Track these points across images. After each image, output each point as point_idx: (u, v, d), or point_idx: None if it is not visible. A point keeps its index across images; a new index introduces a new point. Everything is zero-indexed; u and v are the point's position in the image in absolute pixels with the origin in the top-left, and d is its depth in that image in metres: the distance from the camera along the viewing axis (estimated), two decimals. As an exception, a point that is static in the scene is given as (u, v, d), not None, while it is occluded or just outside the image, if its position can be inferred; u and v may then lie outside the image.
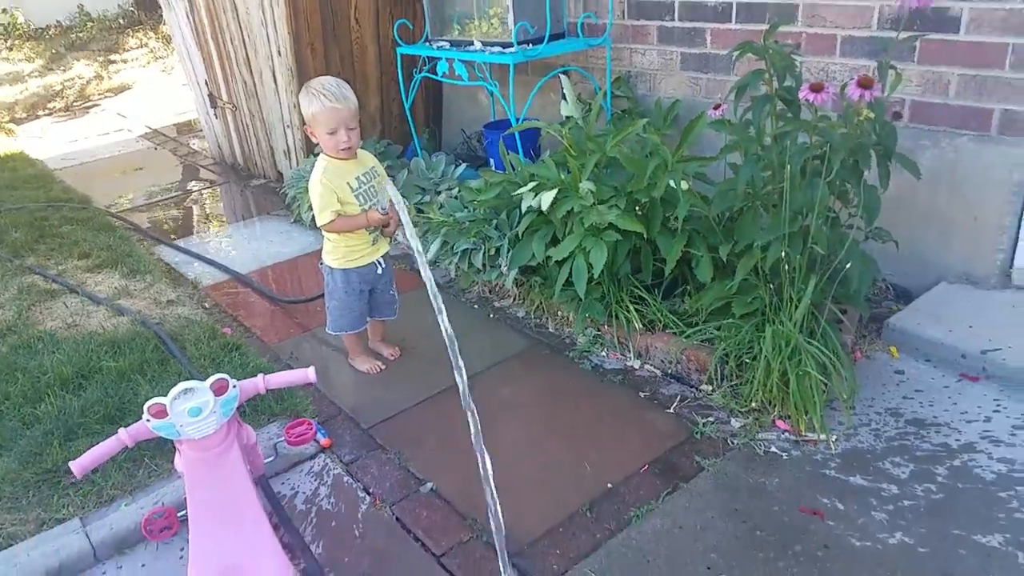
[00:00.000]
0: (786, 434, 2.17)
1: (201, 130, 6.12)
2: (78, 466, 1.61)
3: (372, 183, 2.42)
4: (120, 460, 2.19)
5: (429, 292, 1.72)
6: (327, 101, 2.23)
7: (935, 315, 2.52)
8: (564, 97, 2.83)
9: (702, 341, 2.43)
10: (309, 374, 1.78)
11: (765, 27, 2.75)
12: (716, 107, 2.29)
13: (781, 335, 2.17)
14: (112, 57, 9.30)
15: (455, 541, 1.90)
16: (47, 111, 7.86)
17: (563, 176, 2.63)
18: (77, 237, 3.92)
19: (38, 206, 4.41)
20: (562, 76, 2.84)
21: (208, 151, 5.56)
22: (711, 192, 2.54)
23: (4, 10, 10.40)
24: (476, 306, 3.07)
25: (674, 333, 2.51)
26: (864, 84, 1.93)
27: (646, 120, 2.60)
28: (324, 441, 2.29)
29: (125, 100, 7.97)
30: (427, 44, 3.70)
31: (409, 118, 3.98)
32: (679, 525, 1.89)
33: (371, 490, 2.11)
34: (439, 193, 3.62)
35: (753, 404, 2.26)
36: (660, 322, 2.57)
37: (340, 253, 2.49)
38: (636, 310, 2.60)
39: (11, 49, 9.81)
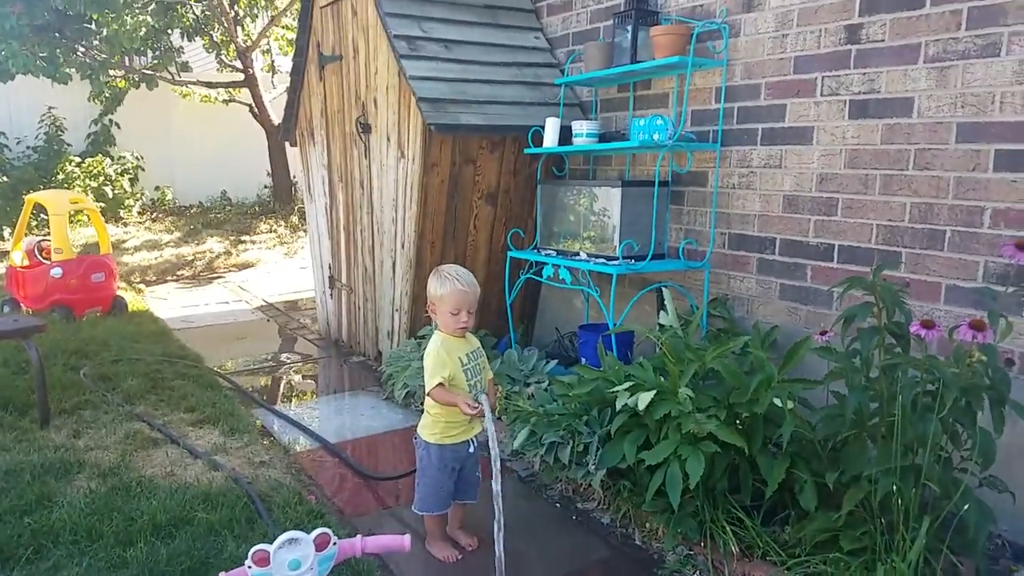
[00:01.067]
0: None
1: (311, 308, 6.58)
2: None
3: (478, 361, 2.59)
4: (197, 613, 2.16)
5: (496, 506, 1.75)
6: (458, 285, 2.47)
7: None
8: (663, 308, 2.97)
9: (807, 575, 2.28)
10: (405, 542, 1.78)
11: (865, 269, 2.92)
12: (822, 333, 2.36)
13: (892, 574, 2.03)
14: (243, 237, 10.33)
15: None
16: (175, 277, 8.66)
17: (661, 379, 2.69)
18: (185, 391, 4.15)
19: (155, 359, 4.73)
20: (664, 289, 3.01)
21: (316, 327, 5.93)
22: (811, 416, 2.54)
23: (158, 187, 11.89)
24: (558, 505, 3.01)
25: (774, 563, 2.37)
26: (976, 327, 1.99)
27: (748, 337, 2.69)
28: (397, 625, 2.20)
29: (247, 275, 8.72)
30: (535, 251, 4.01)
31: (509, 314, 4.21)
32: None
33: None
34: (528, 385, 3.72)
35: (862, 654, 2.06)
36: (759, 548, 2.44)
37: (439, 428, 2.56)
38: (733, 532, 2.50)
39: (155, 221, 11.07)
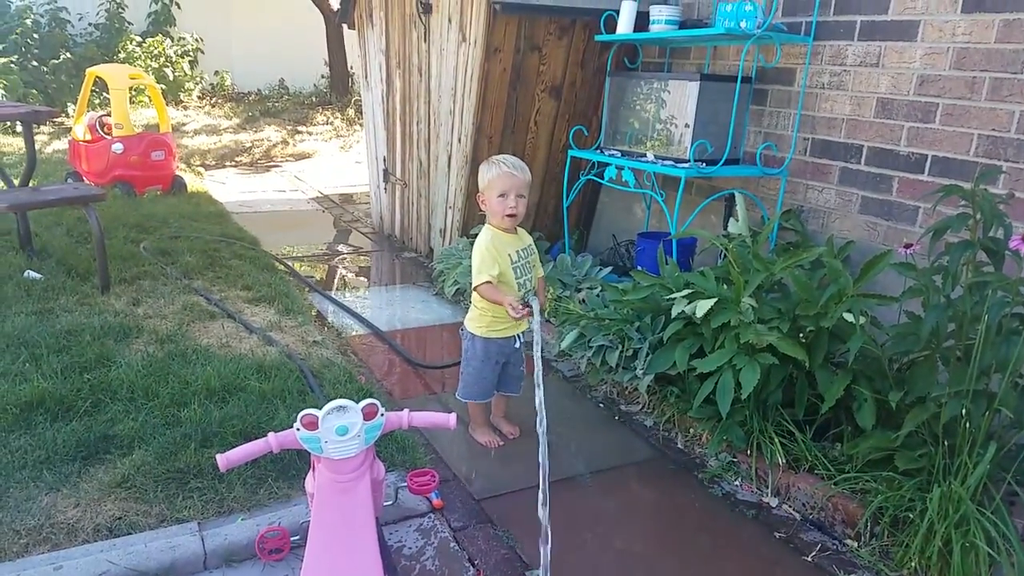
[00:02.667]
0: (945, 614, 1.95)
1: (365, 202, 6.62)
2: (225, 459, 1.69)
3: (528, 259, 2.57)
4: (245, 475, 2.28)
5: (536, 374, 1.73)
6: (505, 167, 2.46)
7: None
8: (733, 215, 2.86)
9: (854, 491, 2.26)
10: (451, 420, 1.81)
11: (959, 183, 2.73)
12: (907, 246, 2.24)
13: (950, 499, 1.99)
14: (299, 128, 10.38)
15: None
16: (234, 163, 8.81)
17: (724, 288, 2.62)
18: (242, 271, 4.27)
19: (213, 238, 4.86)
20: (737, 194, 2.89)
21: (370, 221, 5.98)
22: (878, 335, 2.45)
23: (217, 72, 11.94)
24: (601, 405, 3.04)
25: (821, 476, 2.36)
26: (1081, 243, 1.84)
27: (823, 248, 2.58)
28: (436, 502, 2.29)
29: (303, 165, 8.80)
30: (599, 151, 3.89)
31: (565, 218, 4.15)
32: None
33: (476, 562, 2.07)
34: (579, 290, 3.69)
35: (906, 571, 2.05)
36: (807, 462, 2.42)
37: (485, 322, 2.59)
38: (781, 443, 2.48)
39: (214, 106, 11.19)
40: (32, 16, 10.16)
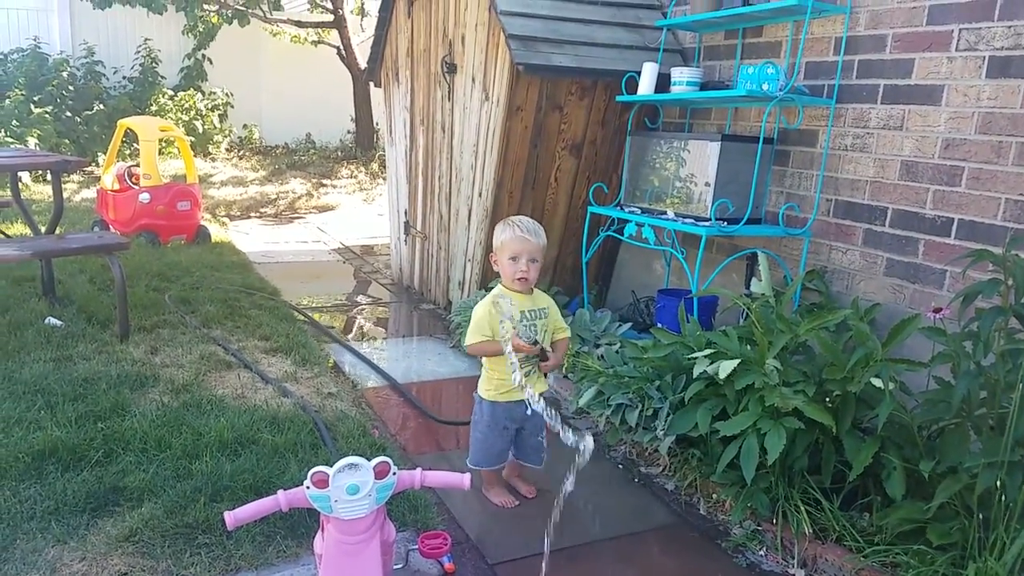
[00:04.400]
0: None
1: (385, 254, 6.67)
2: (233, 517, 1.66)
3: (535, 322, 2.49)
4: (254, 532, 2.24)
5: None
6: (519, 231, 2.43)
7: None
8: (755, 275, 2.84)
9: (884, 564, 2.17)
10: (465, 480, 1.78)
11: (995, 249, 2.69)
12: (936, 310, 2.20)
13: (987, 575, 1.90)
14: (324, 181, 10.57)
15: None
16: (258, 214, 8.95)
17: (747, 349, 2.58)
18: (261, 321, 4.29)
19: (234, 288, 4.91)
20: (760, 254, 2.87)
21: (389, 273, 6.01)
22: (906, 401, 2.39)
23: (245, 125, 12.26)
24: (620, 466, 2.97)
25: (850, 548, 2.27)
26: (1121, 312, 1.80)
27: (849, 311, 2.54)
28: (448, 566, 2.22)
29: (326, 218, 8.93)
30: (619, 208, 3.91)
31: (584, 274, 4.14)
32: None
33: (489, 631, 1.99)
34: (598, 346, 3.66)
35: (942, 655, 1.95)
36: (834, 532, 2.34)
37: (492, 385, 2.54)
38: (807, 512, 2.40)
39: (242, 158, 11.45)
40: (69, 69, 10.54)
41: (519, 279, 2.44)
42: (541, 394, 2.44)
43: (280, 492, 1.69)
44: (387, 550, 1.85)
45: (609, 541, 2.46)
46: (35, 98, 9.79)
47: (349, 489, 1.64)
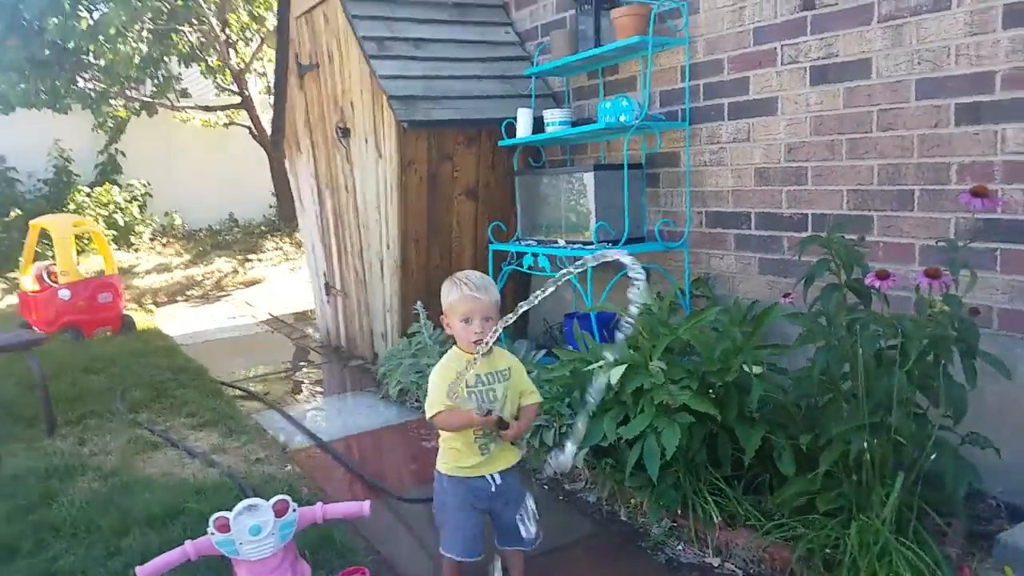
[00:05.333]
0: (880, 647, 1.91)
1: (314, 319, 6.58)
2: (143, 572, 1.61)
3: (493, 386, 2.08)
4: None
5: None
6: (467, 290, 2.06)
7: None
8: (632, 288, 2.93)
9: (786, 539, 2.24)
10: (364, 508, 1.76)
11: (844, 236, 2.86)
12: (786, 295, 2.33)
13: (869, 532, 1.99)
14: (250, 256, 10.39)
15: None
16: (185, 297, 8.71)
17: (635, 355, 2.66)
18: (188, 399, 4.16)
19: (160, 371, 4.75)
20: (632, 269, 2.97)
21: (318, 336, 5.94)
22: (786, 384, 2.50)
23: (167, 213, 11.99)
24: (546, 487, 2.99)
25: (755, 527, 2.34)
26: (931, 274, 1.95)
27: (720, 307, 2.65)
28: (380, 607, 2.18)
29: (254, 292, 8.76)
30: (517, 242, 3.99)
31: (497, 307, 4.20)
32: None
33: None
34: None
35: (841, 610, 2.02)
36: (741, 517, 2.40)
37: (449, 456, 2.11)
38: (716, 502, 2.45)
39: (165, 246, 11.16)
40: (-19, 179, 10.16)
41: (475, 341, 2.03)
42: (507, 470, 2.12)
43: (188, 542, 1.65)
44: (303, 592, 1.82)
45: (537, 558, 2.45)
46: (-53, 212, 9.38)
47: (252, 530, 1.61)
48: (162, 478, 3.06)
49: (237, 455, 3.34)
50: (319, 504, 1.75)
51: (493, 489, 2.07)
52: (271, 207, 12.55)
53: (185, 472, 3.12)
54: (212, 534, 1.62)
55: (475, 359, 1.96)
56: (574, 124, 3.89)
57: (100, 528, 2.57)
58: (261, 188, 12.24)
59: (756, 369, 2.33)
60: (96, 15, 8.30)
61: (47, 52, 8.31)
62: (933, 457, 2.02)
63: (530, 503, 2.13)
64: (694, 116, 3.49)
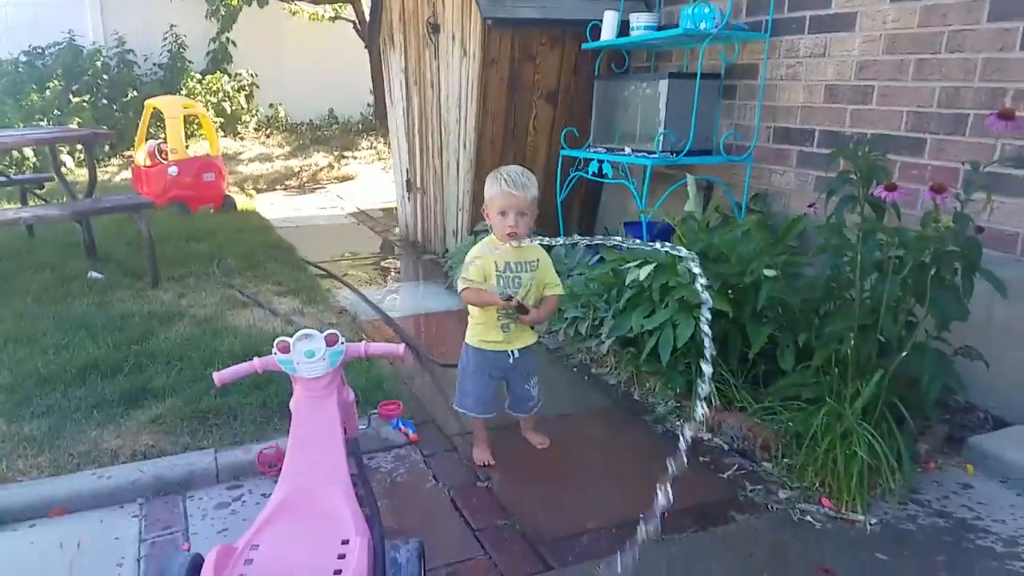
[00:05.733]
0: (827, 509, 2.31)
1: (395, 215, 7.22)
2: (219, 377, 2.20)
3: (519, 274, 2.48)
4: (255, 414, 2.82)
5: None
6: (505, 186, 2.40)
7: (1021, 442, 2.52)
8: (692, 196, 3.27)
9: (768, 420, 2.63)
10: (400, 349, 2.28)
11: (895, 157, 3.08)
12: (810, 205, 2.62)
13: (834, 414, 2.35)
14: (345, 153, 11.19)
15: (491, 523, 2.26)
16: (283, 187, 9.61)
17: (666, 256, 3.04)
18: (275, 271, 4.89)
19: (254, 246, 5.52)
20: (688, 176, 3.30)
21: (398, 231, 6.57)
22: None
23: (271, 105, 12.93)
24: (575, 369, 3.47)
25: (746, 411, 2.73)
26: (936, 188, 2.22)
27: (754, 219, 2.97)
28: (413, 436, 2.77)
29: (346, 187, 9.54)
30: (588, 149, 4.36)
31: (559, 211, 4.62)
32: (693, 556, 2.10)
33: (438, 476, 2.54)
34: (570, 276, 4.13)
35: (805, 482, 2.41)
36: (737, 402, 2.80)
37: (475, 331, 2.59)
38: (718, 388, 2.86)
39: (269, 136, 12.14)
40: (102, 59, 11.33)
41: (509, 233, 2.41)
42: (527, 347, 2.60)
43: (256, 358, 2.23)
44: (346, 408, 2.38)
45: (557, 418, 2.96)
46: (73, 88, 10.60)
47: (307, 353, 2.16)
48: (246, 329, 3.76)
49: (313, 318, 4.01)
50: (364, 342, 2.27)
51: (511, 361, 2.59)
52: (368, 105, 13.25)
53: (267, 327, 3.80)
54: (274, 353, 2.17)
55: (498, 248, 2.44)
56: (659, 28, 4.14)
57: (191, 359, 3.28)
58: (361, 86, 12.92)
59: (770, 273, 2.65)
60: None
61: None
62: (905, 355, 2.32)
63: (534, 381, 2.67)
64: (776, 28, 3.68)
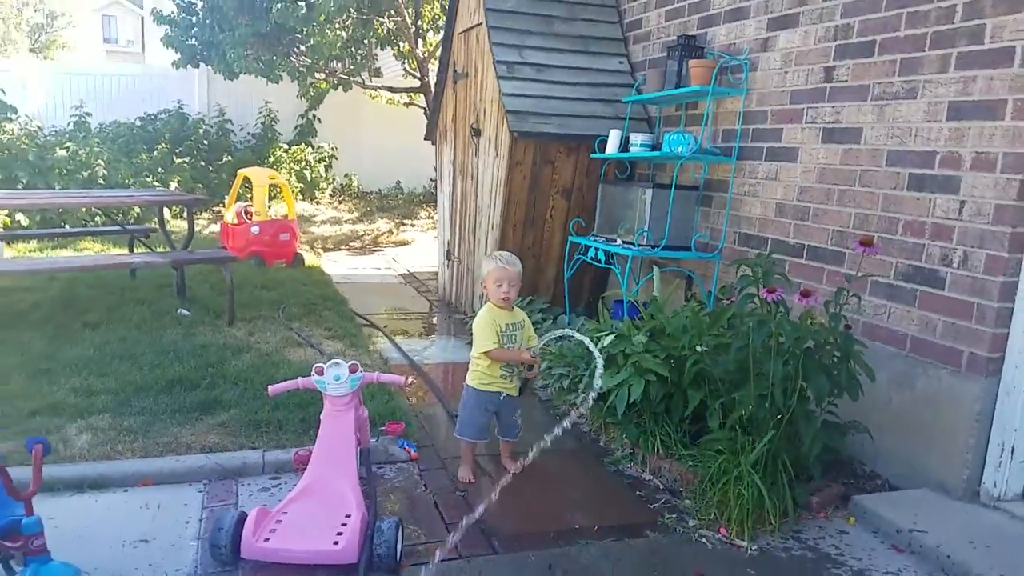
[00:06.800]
0: (721, 536, 2.87)
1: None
2: (272, 388, 2.96)
3: (515, 333, 3.26)
4: (296, 424, 3.55)
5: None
6: (500, 263, 3.20)
7: (896, 503, 3.04)
8: (657, 286, 3.93)
9: (691, 465, 3.22)
10: (401, 380, 3.00)
11: (823, 265, 3.71)
12: (729, 299, 3.27)
13: (733, 463, 2.94)
14: (405, 220, 12.20)
15: (460, 520, 2.90)
16: (347, 247, 10.59)
17: (626, 329, 3.70)
18: (328, 319, 5.70)
19: (314, 297, 6.37)
20: (656, 269, 3.96)
21: (436, 291, 7.37)
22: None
23: (346, 175, 14.15)
24: (558, 418, 4.10)
25: (676, 458, 3.33)
26: (805, 293, 2.86)
27: (694, 305, 3.62)
28: (413, 455, 3.44)
29: (402, 250, 10.46)
30: (591, 237, 5.08)
31: (566, 288, 5.32)
32: (605, 557, 2.71)
33: (427, 485, 3.21)
34: (559, 342, 4.80)
35: (710, 515, 2.98)
36: (676, 450, 3.39)
37: (475, 377, 3.30)
38: (662, 440, 3.46)
39: (341, 202, 13.28)
40: (204, 126, 12.73)
41: (503, 299, 3.17)
42: (508, 393, 3.30)
43: (299, 378, 2.97)
44: (362, 423, 3.09)
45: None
46: (177, 150, 11.94)
47: (335, 377, 2.90)
48: (298, 363, 4.53)
49: (352, 358, 4.73)
50: (376, 372, 3.00)
51: (502, 398, 3.31)
52: (431, 180, 14.34)
53: (313, 361, 4.54)
54: (312, 375, 2.92)
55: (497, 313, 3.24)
56: (653, 147, 4.90)
57: (252, 381, 4.06)
58: (426, 163, 13.99)
59: (699, 348, 3.29)
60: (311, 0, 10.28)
61: (268, 26, 10.40)
62: (793, 421, 2.91)
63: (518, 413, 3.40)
64: (742, 153, 4.39)
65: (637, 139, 4.85)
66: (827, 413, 3.10)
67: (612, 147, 5.00)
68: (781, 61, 4.10)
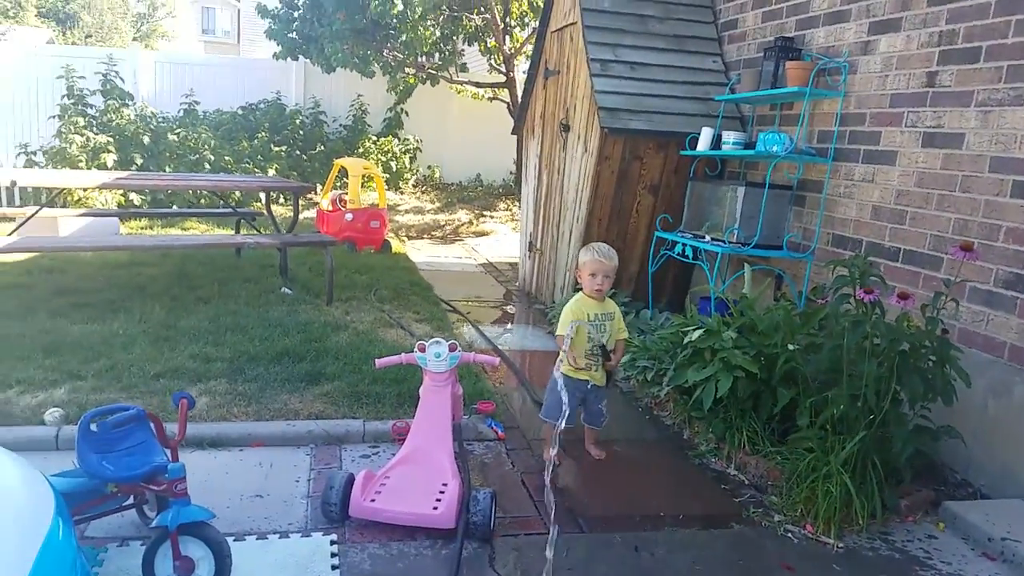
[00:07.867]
0: (807, 532, 2.87)
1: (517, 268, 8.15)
2: (380, 362, 3.12)
3: (604, 323, 3.28)
4: (393, 398, 3.72)
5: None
6: (597, 255, 3.22)
7: (988, 511, 2.97)
8: (750, 286, 3.91)
9: (778, 463, 3.22)
10: (496, 360, 3.11)
11: (920, 270, 3.63)
12: (823, 299, 3.24)
13: (820, 461, 2.93)
14: (484, 212, 12.37)
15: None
16: (429, 236, 10.84)
17: (720, 327, 3.70)
18: (415, 303, 5.90)
19: (402, 282, 6.58)
20: (746, 266, 3.94)
21: (516, 282, 7.48)
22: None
23: (430, 166, 14.43)
24: (639, 410, 4.14)
25: (762, 454, 3.33)
26: (902, 296, 2.81)
27: (789, 303, 3.59)
28: (501, 434, 3.56)
29: (481, 240, 10.63)
30: (678, 233, 5.08)
31: (650, 283, 5.33)
32: (691, 544, 2.75)
33: (514, 464, 3.31)
34: (643, 335, 4.83)
35: (796, 512, 2.98)
36: (762, 447, 3.39)
37: (564, 365, 3.28)
38: (748, 436, 3.46)
39: (424, 193, 13.57)
40: (300, 117, 13.22)
41: (596, 290, 3.21)
42: (595, 383, 3.32)
43: (403, 353, 3.12)
44: (456, 399, 3.21)
45: (616, 441, 3.66)
46: (275, 139, 12.44)
47: (435, 354, 3.03)
48: (391, 342, 4.71)
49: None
50: (472, 352, 3.13)
51: (588, 387, 3.35)
52: (511, 173, 14.48)
53: (405, 343, 4.74)
54: (415, 352, 3.06)
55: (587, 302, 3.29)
56: (746, 146, 4.85)
57: (352, 357, 4.26)
58: (506, 156, 14.17)
59: (791, 347, 3.27)
60: (407, -2, 10.53)
61: (364, 22, 10.71)
62: (886, 423, 2.87)
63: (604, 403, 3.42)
64: (838, 155, 4.31)
65: (730, 137, 4.81)
66: (919, 417, 3.05)
67: (703, 144, 4.98)
68: (882, 64, 4.00)
